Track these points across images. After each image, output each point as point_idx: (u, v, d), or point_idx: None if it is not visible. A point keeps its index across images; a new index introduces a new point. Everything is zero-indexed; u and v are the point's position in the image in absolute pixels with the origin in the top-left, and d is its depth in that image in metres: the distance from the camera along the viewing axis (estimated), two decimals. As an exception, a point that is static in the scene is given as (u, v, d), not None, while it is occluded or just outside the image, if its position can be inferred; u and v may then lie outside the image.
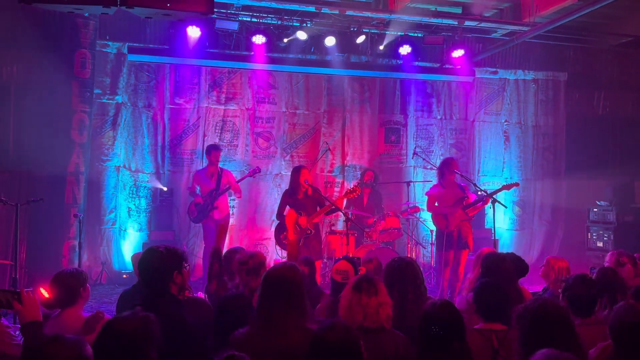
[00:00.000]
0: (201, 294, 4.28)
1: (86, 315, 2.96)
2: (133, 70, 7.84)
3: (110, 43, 7.66)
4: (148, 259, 2.82)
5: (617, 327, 2.39)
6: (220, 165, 7.21)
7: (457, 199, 6.35)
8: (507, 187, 6.44)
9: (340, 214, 6.59)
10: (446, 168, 6.48)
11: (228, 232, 7.45)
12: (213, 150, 7.12)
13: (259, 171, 7.28)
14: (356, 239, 7.07)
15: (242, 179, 7.25)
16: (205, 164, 7.45)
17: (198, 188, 7.11)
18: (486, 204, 6.58)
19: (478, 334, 2.95)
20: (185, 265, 2.87)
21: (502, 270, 3.58)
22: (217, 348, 2.62)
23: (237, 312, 2.85)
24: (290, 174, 6.60)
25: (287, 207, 6.34)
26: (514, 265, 3.89)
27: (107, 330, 2.15)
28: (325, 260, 7.35)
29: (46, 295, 3.26)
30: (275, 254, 7.16)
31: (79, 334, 2.58)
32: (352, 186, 6.67)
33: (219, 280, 3.86)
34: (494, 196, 6.30)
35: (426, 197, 6.72)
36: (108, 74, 7.71)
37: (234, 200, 8.13)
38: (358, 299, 2.77)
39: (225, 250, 4.84)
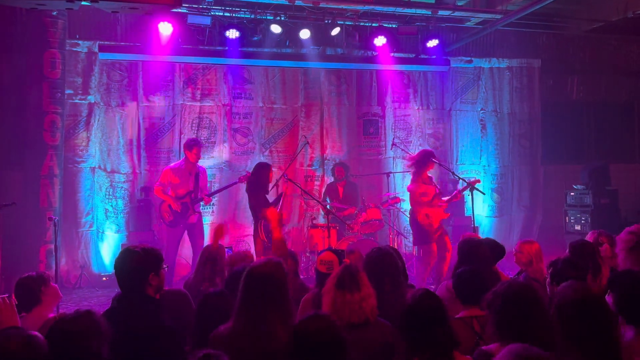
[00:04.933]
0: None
1: (51, 316, 2.92)
2: (105, 69, 7.69)
3: (80, 42, 7.51)
4: (123, 260, 2.76)
5: (563, 305, 2.30)
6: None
7: (434, 195, 6.39)
8: (471, 184, 6.37)
9: (321, 207, 6.56)
10: (426, 159, 6.41)
11: (208, 230, 7.35)
12: (195, 147, 6.56)
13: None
14: (338, 232, 7.07)
15: (231, 185, 7.20)
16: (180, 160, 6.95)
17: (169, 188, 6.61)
18: (457, 199, 6.71)
19: (460, 322, 2.98)
20: (164, 266, 2.81)
21: (478, 256, 3.60)
22: (198, 344, 2.58)
23: (219, 310, 2.79)
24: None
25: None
26: (491, 250, 3.92)
27: (53, 330, 2.13)
28: (307, 254, 7.34)
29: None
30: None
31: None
32: (279, 193, 6.69)
33: (210, 283, 3.78)
34: (475, 185, 6.35)
35: (408, 193, 6.49)
36: (79, 74, 7.55)
37: (214, 197, 8.05)
38: (342, 297, 2.76)
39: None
